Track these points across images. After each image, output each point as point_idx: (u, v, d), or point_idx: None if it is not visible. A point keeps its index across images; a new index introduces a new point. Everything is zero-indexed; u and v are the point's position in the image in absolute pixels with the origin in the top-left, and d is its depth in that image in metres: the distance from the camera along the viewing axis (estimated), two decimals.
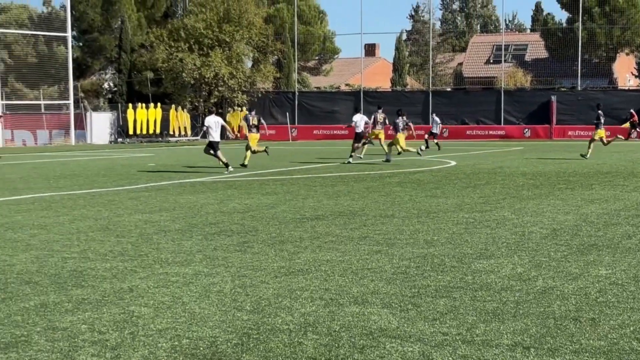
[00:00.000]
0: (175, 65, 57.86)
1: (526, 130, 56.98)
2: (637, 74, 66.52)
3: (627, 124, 53.45)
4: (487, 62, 74.28)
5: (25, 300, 7.58)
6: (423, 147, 35.89)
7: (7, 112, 52.60)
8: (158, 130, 57.43)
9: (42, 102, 58.10)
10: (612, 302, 7.36)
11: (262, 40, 60.66)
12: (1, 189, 19.64)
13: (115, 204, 15.89)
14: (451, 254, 9.85)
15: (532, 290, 7.82)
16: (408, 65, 69.49)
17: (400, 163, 28.64)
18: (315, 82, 73.22)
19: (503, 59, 63.67)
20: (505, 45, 65.30)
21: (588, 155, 30.52)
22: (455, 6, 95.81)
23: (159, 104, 57.73)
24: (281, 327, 6.61)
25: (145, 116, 56.79)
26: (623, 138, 42.11)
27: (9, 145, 49.80)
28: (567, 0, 62.91)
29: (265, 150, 28.19)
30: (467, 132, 57.86)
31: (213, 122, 25.43)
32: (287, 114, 61.49)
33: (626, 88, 63.18)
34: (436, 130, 41.61)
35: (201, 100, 59.35)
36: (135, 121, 56.40)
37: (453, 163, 28.47)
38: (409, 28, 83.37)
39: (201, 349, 6.06)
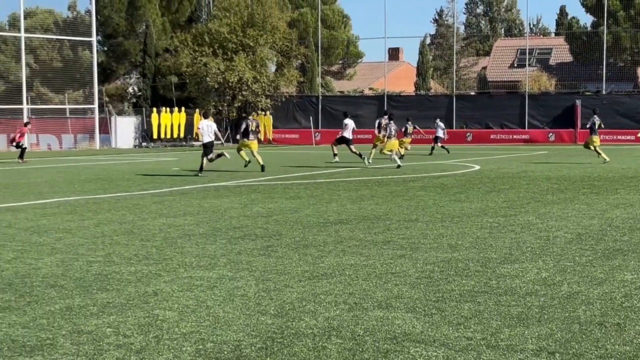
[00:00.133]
0: (200, 70, 58.00)
1: (550, 134, 56.71)
2: None
3: None
4: (511, 66, 73.98)
5: (51, 304, 7.62)
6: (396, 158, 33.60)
7: (33, 117, 52.90)
8: (182, 135, 57.59)
9: (67, 106, 58.40)
10: (638, 307, 7.31)
11: (285, 45, 60.70)
12: (27, 193, 19.76)
13: (139, 207, 15.94)
14: (475, 258, 9.82)
15: (557, 295, 7.78)
16: (432, 69, 69.36)
17: (426, 167, 28.59)
18: (339, 86, 73.18)
19: (527, 62, 63.42)
20: (529, 49, 65.00)
21: (607, 158, 30.21)
22: (479, 10, 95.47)
23: (183, 108, 57.90)
24: (305, 331, 6.61)
25: (169, 120, 56.96)
26: None
27: (34, 150, 50.04)
28: (592, 3, 62.58)
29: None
30: (491, 137, 57.64)
31: (206, 126, 26.29)
32: (311, 118, 61.53)
33: None
34: (441, 134, 41.58)
35: (225, 104, 59.44)
36: (159, 125, 56.57)
37: (477, 167, 28.40)
38: (433, 32, 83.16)
39: (225, 352, 6.07)
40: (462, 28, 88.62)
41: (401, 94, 64.19)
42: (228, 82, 57.90)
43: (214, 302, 7.64)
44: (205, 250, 10.57)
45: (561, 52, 70.23)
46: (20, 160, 35.19)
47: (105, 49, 63.73)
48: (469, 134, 58.05)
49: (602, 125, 32.45)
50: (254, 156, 27.32)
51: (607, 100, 56.49)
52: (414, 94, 64.88)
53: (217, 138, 26.44)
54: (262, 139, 58.41)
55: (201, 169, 25.84)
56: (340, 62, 71.95)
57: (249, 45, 58.73)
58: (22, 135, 37.49)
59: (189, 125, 57.63)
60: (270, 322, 6.87)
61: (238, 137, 28.93)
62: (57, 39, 60.19)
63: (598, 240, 11.20)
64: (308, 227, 12.75)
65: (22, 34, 52.89)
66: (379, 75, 70.66)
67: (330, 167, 29.12)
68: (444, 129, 42.63)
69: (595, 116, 31.59)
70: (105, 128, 55.71)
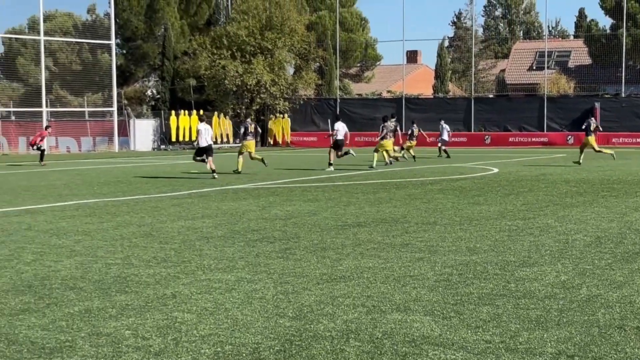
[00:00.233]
0: (218, 73, 58.08)
1: (569, 137, 56.47)
2: None
3: None
4: (530, 68, 73.78)
5: (70, 306, 7.65)
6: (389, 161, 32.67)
7: (52, 119, 53.13)
8: None
9: (86, 109, 58.63)
10: None
11: (304, 48, 60.73)
12: (46, 195, 19.85)
13: (158, 210, 15.99)
14: (494, 261, 9.80)
15: (575, 299, 7.76)
16: (450, 71, 69.18)
17: (444, 170, 28.54)
18: (357, 89, 73.13)
19: (546, 65, 63.20)
20: (548, 51, 64.85)
21: (608, 152, 31.62)
22: (498, 12, 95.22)
23: (201, 111, 57.95)
24: (323, 333, 6.62)
25: (187, 123, 57.02)
26: None
27: (53, 152, 50.24)
28: (611, 6, 62.35)
29: (262, 160, 27.94)
30: (510, 139, 57.47)
31: (204, 129, 26.61)
32: (329, 120, 61.46)
33: None
34: (446, 137, 41.38)
35: (243, 107, 59.49)
36: (177, 128, 56.66)
37: (495, 170, 28.33)
38: (451, 35, 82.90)
39: (244, 355, 6.07)
40: (480, 30, 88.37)
41: (419, 97, 64.06)
42: (246, 85, 57.96)
43: (232, 304, 7.65)
44: (224, 253, 10.59)
45: (580, 55, 69.98)
46: (41, 163, 35.33)
47: (124, 51, 63.99)
48: (487, 136, 57.91)
49: (600, 128, 32.96)
50: (252, 158, 27.99)
51: (626, 103, 56.30)
52: (432, 96, 64.74)
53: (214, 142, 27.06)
54: (281, 141, 58.88)
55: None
56: (359, 64, 71.95)
57: (267, 48, 58.78)
58: (42, 138, 37.64)
59: None
60: (288, 325, 6.88)
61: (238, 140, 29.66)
62: (76, 42, 60.46)
63: (617, 243, 11.16)
64: (326, 230, 12.75)
65: (42, 37, 53.12)
66: (397, 78, 70.60)
67: (348, 170, 29.10)
68: (449, 131, 42.44)
69: (592, 118, 32.16)
70: (124, 131, 55.88)
